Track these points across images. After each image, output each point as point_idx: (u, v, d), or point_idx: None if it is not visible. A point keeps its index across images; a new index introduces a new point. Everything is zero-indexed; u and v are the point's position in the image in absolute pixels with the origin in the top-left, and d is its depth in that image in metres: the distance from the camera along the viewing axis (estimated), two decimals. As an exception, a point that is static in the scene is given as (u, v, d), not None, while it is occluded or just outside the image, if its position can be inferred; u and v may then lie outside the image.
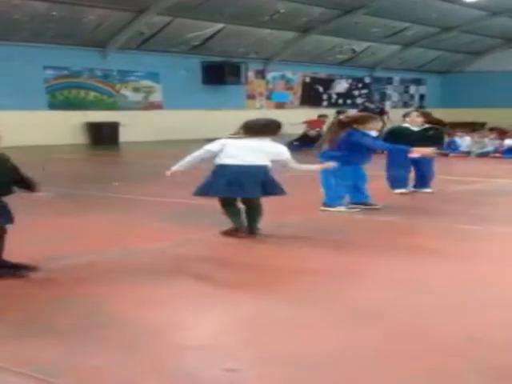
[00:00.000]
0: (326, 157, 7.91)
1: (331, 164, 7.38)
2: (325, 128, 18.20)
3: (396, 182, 9.67)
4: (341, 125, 8.21)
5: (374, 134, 8.51)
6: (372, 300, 4.56)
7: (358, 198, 8.21)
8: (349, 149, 7.99)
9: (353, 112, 14.72)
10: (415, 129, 9.70)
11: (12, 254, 5.10)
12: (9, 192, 5.03)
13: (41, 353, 3.58)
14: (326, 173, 7.88)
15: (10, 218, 4.98)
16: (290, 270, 5.40)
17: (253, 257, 5.91)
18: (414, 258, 5.79)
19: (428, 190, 9.75)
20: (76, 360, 3.49)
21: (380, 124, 8.47)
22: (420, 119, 9.82)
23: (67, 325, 4.07)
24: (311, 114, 25.27)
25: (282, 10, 22.66)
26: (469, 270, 5.41)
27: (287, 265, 5.58)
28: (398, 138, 9.23)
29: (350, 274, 5.28)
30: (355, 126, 8.12)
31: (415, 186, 9.82)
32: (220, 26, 22.96)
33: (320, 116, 20.43)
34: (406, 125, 9.86)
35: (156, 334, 3.92)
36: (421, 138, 9.35)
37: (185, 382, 3.28)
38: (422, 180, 9.83)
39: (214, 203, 6.68)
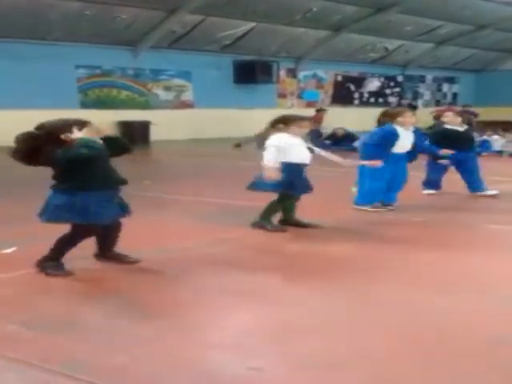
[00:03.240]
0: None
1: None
2: (324, 123, 17.99)
3: (428, 183, 9.58)
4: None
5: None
6: (397, 300, 4.54)
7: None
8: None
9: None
10: (460, 129, 9.54)
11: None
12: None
13: (71, 350, 3.61)
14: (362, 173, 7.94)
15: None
16: (318, 270, 5.40)
17: (284, 256, 5.94)
18: (441, 256, 5.77)
19: (492, 192, 9.34)
20: (104, 357, 3.51)
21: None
22: (458, 119, 9.62)
23: (99, 322, 4.12)
24: (342, 112, 25.23)
25: (315, 9, 22.55)
26: (497, 269, 5.36)
27: (316, 264, 5.59)
28: (446, 139, 9.21)
29: (378, 271, 5.27)
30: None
31: (473, 190, 9.44)
32: (252, 24, 22.92)
33: (318, 110, 20.06)
34: (449, 126, 9.56)
35: (184, 331, 3.94)
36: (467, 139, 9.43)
37: (209, 380, 3.27)
38: (478, 182, 9.48)
39: (240, 203, 6.68)
